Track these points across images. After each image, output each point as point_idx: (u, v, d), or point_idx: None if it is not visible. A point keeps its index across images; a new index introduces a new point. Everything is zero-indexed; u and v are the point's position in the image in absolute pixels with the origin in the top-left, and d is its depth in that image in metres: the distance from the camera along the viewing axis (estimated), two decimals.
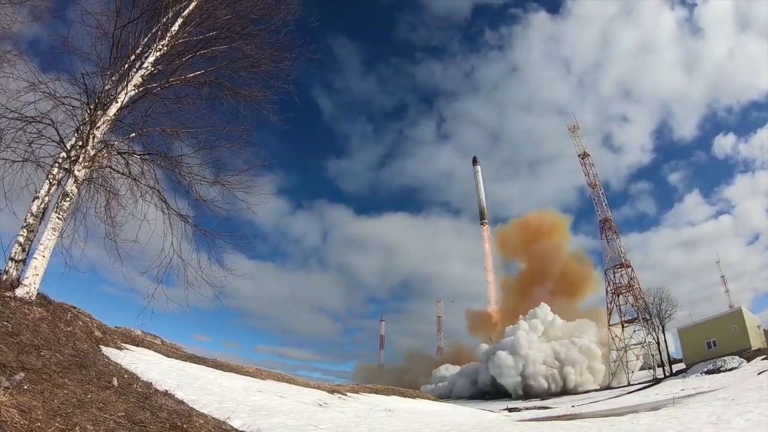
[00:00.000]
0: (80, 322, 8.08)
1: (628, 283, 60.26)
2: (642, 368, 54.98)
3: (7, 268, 6.55)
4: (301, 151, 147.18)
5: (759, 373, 23.51)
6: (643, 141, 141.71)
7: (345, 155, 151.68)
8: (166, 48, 7.84)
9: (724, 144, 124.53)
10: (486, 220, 69.74)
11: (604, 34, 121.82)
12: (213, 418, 6.21)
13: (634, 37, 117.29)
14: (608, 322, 60.04)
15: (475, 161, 69.18)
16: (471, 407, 33.58)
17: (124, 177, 7.66)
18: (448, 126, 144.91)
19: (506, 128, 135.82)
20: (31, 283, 6.43)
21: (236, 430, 6.14)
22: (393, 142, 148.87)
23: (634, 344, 55.73)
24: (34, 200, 6.85)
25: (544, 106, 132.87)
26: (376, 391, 25.42)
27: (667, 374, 39.40)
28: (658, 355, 46.80)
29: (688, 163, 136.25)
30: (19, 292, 6.29)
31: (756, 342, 34.75)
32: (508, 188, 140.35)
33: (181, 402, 6.41)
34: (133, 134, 7.93)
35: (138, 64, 7.79)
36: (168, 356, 13.86)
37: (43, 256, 6.52)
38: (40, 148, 7.08)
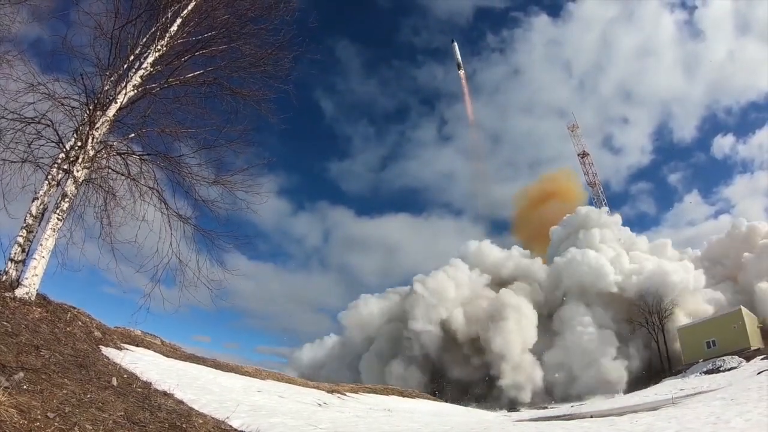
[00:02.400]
0: (80, 323, 8.08)
1: None
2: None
3: (6, 269, 6.57)
4: (303, 153, 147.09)
5: (758, 373, 23.50)
6: (643, 142, 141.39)
7: (347, 157, 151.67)
8: (165, 48, 7.84)
9: (723, 145, 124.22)
10: (463, 70, 72.35)
11: (604, 37, 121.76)
12: (212, 417, 6.22)
13: (635, 39, 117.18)
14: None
15: (452, 41, 73.36)
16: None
17: (123, 177, 7.66)
18: (450, 128, 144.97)
19: (507, 130, 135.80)
20: (30, 284, 6.44)
21: (236, 429, 6.14)
22: (394, 143, 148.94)
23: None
24: (33, 201, 6.85)
25: (545, 108, 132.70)
26: (375, 391, 25.44)
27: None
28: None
29: (687, 164, 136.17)
30: (19, 292, 6.30)
31: (755, 341, 34.76)
32: (509, 189, 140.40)
33: (181, 402, 6.41)
34: (133, 135, 7.94)
35: (137, 64, 7.80)
36: (167, 356, 13.87)
37: (43, 257, 6.53)
38: (39, 148, 7.09)
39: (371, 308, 61.34)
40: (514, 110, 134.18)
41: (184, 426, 4.81)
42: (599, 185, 67.46)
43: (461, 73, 72.82)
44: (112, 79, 7.62)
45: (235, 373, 16.33)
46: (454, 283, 55.13)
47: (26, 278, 6.45)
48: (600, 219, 58.09)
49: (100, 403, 4.17)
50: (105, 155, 7.44)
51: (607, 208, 61.95)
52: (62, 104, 7.23)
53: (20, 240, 6.67)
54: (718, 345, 35.70)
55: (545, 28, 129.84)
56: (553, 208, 72.31)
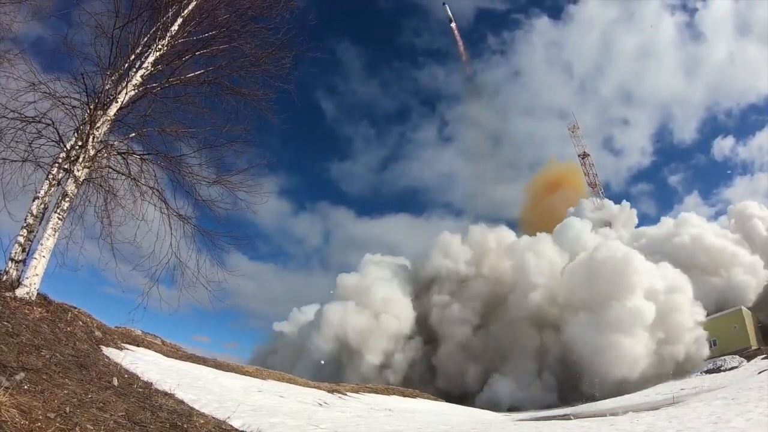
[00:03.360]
0: (80, 322, 8.07)
1: None
2: None
3: (7, 269, 6.55)
4: (304, 154, 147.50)
5: (759, 373, 23.50)
6: (643, 143, 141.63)
7: (347, 157, 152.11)
8: (165, 48, 7.82)
9: (723, 146, 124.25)
10: (454, 23, 74.62)
11: (605, 39, 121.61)
12: (213, 417, 6.21)
13: (635, 41, 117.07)
14: None
15: (444, 4, 75.20)
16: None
17: (123, 177, 7.65)
18: (451, 129, 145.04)
19: (508, 131, 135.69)
20: (31, 284, 6.43)
21: (237, 429, 6.13)
22: (395, 144, 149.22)
23: None
24: (34, 200, 6.84)
25: (545, 110, 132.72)
26: (376, 391, 25.43)
27: None
28: None
29: (687, 165, 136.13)
30: (20, 292, 6.29)
31: (756, 341, 34.75)
32: (510, 189, 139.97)
33: (182, 402, 6.40)
34: (133, 134, 7.93)
35: (138, 63, 7.78)
36: (168, 356, 13.87)
37: (43, 257, 6.52)
38: (39, 148, 7.07)
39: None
40: (514, 111, 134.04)
41: (185, 426, 4.80)
42: (599, 186, 67.40)
43: (453, 25, 75.07)
44: (113, 78, 7.60)
45: (236, 373, 16.33)
46: (472, 250, 51.18)
47: (27, 278, 6.43)
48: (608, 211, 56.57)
49: (101, 403, 4.16)
50: (105, 155, 7.43)
51: (627, 203, 61.00)
52: (63, 103, 7.21)
53: (21, 240, 6.65)
54: (718, 344, 35.70)
55: (546, 29, 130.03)
56: (558, 202, 72.05)
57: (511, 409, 34.44)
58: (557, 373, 40.03)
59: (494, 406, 36.00)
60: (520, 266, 45.09)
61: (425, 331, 48.98)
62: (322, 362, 44.11)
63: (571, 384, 36.84)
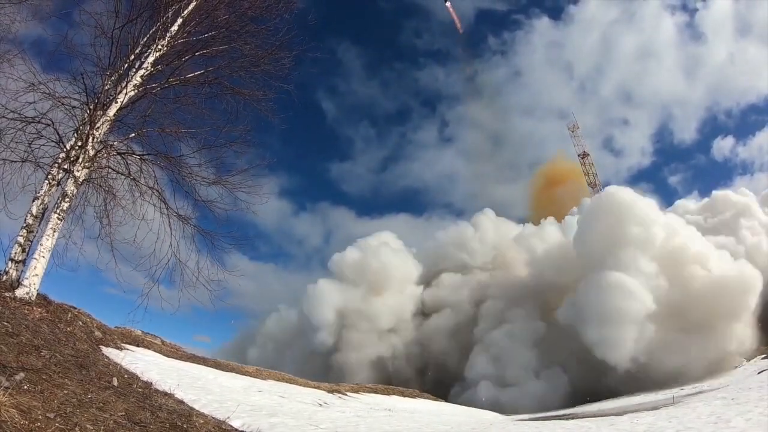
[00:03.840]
0: (80, 323, 8.07)
1: None
2: None
3: (7, 269, 6.56)
4: (304, 154, 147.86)
5: (759, 372, 23.52)
6: (643, 144, 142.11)
7: (348, 158, 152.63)
8: (165, 48, 7.83)
9: (723, 146, 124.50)
10: (449, 2, 74.43)
11: (605, 39, 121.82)
12: (213, 417, 6.21)
13: (635, 41, 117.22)
14: None
15: None
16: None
17: (123, 177, 7.65)
18: (451, 130, 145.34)
19: (508, 131, 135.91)
20: (31, 284, 6.43)
21: (236, 429, 6.13)
22: (395, 145, 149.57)
23: None
24: (33, 201, 6.84)
25: (545, 110, 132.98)
26: (375, 391, 25.40)
27: None
28: None
29: (687, 165, 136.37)
30: (19, 292, 6.29)
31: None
32: (510, 190, 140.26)
33: (181, 402, 6.40)
34: (133, 134, 7.93)
35: (137, 64, 7.79)
36: (168, 356, 13.86)
37: (43, 257, 6.52)
38: (39, 148, 7.08)
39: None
40: (515, 112, 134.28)
41: (184, 426, 4.80)
42: (599, 185, 67.29)
43: (448, 4, 75.54)
44: (113, 78, 7.61)
45: (236, 373, 16.32)
46: (481, 239, 50.19)
47: (26, 278, 6.44)
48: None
49: (100, 404, 4.16)
50: (105, 155, 7.43)
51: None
52: (63, 104, 7.22)
53: (20, 240, 6.66)
54: None
55: (546, 30, 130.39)
56: (564, 197, 71.56)
57: (510, 411, 34.35)
58: (561, 366, 37.44)
59: (476, 385, 34.41)
60: (525, 250, 44.81)
61: (426, 315, 47.79)
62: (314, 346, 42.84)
63: (570, 379, 35.69)
